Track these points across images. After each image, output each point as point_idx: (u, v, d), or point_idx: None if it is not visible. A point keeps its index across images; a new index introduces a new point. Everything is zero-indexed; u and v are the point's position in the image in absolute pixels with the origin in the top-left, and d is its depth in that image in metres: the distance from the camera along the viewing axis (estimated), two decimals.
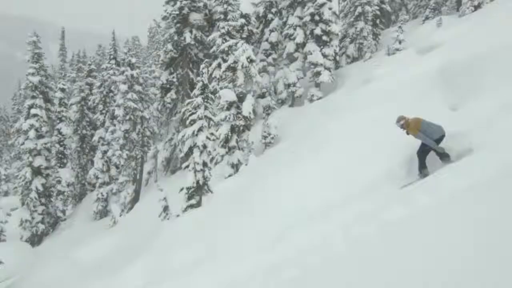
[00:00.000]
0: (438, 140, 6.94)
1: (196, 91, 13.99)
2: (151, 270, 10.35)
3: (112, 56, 26.18)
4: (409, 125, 7.14)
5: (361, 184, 8.23)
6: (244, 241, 9.47)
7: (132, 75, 22.20)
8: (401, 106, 11.14)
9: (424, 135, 6.90)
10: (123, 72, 22.35)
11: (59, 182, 25.13)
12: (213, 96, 14.46)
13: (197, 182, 13.81)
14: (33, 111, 23.94)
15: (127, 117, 22.22)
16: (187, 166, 14.08)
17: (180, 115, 25.66)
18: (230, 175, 18.47)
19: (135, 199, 24.40)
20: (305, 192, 9.59)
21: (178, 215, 14.46)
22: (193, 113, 13.93)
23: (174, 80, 25.28)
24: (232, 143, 18.56)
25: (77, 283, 11.61)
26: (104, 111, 25.93)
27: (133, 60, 22.77)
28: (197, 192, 14.11)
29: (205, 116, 13.88)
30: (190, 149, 13.98)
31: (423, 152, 7.11)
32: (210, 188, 14.39)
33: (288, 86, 24.32)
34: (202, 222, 11.91)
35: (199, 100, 13.60)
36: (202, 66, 14.06)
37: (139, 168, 24.14)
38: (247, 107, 18.38)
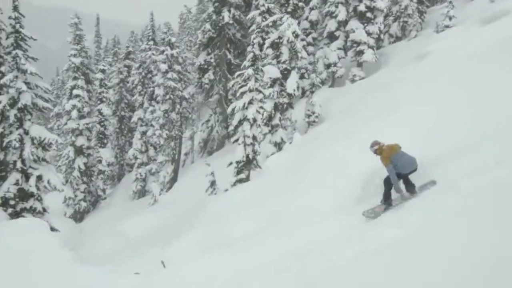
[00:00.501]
0: (406, 174, 6.62)
1: (246, 63, 13.64)
2: (207, 240, 10.20)
3: (150, 37, 26.24)
4: (381, 152, 6.69)
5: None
6: (302, 213, 9.15)
7: (172, 55, 22.11)
8: (470, 75, 10.37)
9: (392, 169, 6.49)
10: (163, 51, 22.30)
11: (99, 161, 25.64)
12: (262, 68, 14.03)
13: (247, 156, 13.54)
14: (75, 92, 24.37)
15: (167, 97, 22.22)
16: (237, 140, 13.83)
17: (217, 96, 25.53)
18: (273, 154, 18.11)
19: (173, 179, 24.55)
20: (364, 164, 9.02)
21: (226, 190, 14.30)
22: (243, 86, 13.60)
23: (212, 60, 25.06)
24: (275, 121, 18.14)
25: (129, 253, 11.66)
26: (142, 92, 26.12)
27: (173, 39, 22.68)
28: (246, 167, 13.86)
29: (256, 89, 13.51)
30: (240, 122, 13.70)
31: (391, 181, 6.65)
32: (259, 163, 14.08)
33: (328, 66, 23.53)
34: (254, 195, 11.64)
35: (250, 71, 13.24)
36: (253, 36, 13.66)
37: (177, 149, 24.21)
38: (291, 84, 17.89)
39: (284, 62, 17.73)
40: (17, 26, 11.37)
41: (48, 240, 8.50)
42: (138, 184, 25.61)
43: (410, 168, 6.51)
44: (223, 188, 14.14)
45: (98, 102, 26.07)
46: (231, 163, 14.23)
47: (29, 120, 11.94)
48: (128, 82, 28.44)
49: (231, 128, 13.88)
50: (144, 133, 25.71)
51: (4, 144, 11.34)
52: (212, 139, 26.01)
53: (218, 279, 7.15)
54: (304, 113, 19.08)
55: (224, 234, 10.12)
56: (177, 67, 22.52)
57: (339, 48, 23.67)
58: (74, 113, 24.07)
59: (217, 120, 25.76)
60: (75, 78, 24.49)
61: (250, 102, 13.41)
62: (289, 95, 17.79)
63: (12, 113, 11.41)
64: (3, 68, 11.30)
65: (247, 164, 13.78)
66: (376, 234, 5.76)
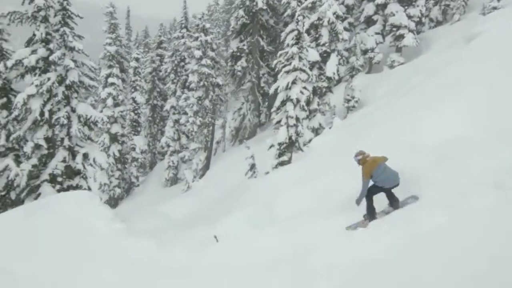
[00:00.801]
0: (387, 189, 6.42)
1: (289, 41, 13.22)
2: (256, 217, 9.93)
3: (183, 25, 26.21)
4: (364, 163, 6.49)
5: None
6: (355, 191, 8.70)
7: (206, 41, 21.95)
8: None
9: (366, 184, 6.37)
10: (197, 38, 22.17)
11: (133, 149, 25.94)
12: (307, 47, 13.55)
13: (290, 137, 13.16)
14: (110, 80, 24.68)
15: (201, 83, 22.10)
16: (279, 121, 13.47)
17: (249, 84, 25.23)
18: (310, 140, 17.63)
19: (206, 167, 24.52)
20: (422, 142, 8.42)
21: (267, 172, 13.99)
22: (286, 65, 13.19)
23: (245, 47, 24.78)
24: (314, 106, 17.61)
25: (175, 231, 11.54)
26: (175, 80, 26.18)
27: (207, 25, 22.52)
28: (288, 149, 13.48)
29: (300, 68, 13.08)
30: (283, 103, 13.31)
31: (372, 194, 6.45)
32: (301, 146, 13.67)
33: (365, 52, 22.73)
34: (302, 174, 11.24)
35: (294, 49, 12.81)
36: (297, 13, 13.19)
37: (210, 136, 24.13)
38: (331, 67, 17.32)
39: (323, 45, 17.18)
40: (65, 3, 11.42)
41: (100, 211, 8.51)
42: (171, 171, 25.76)
43: (391, 184, 6.33)
44: (267, 169, 13.81)
45: (132, 90, 26.35)
46: (272, 146, 13.89)
47: (76, 98, 12.02)
48: (160, 71, 28.61)
49: (273, 108, 13.49)
50: (176, 121, 25.80)
51: (53, 121, 11.44)
52: (244, 127, 25.78)
53: (270, 254, 6.90)
54: (343, 98, 18.48)
55: (272, 213, 9.82)
56: (211, 53, 22.35)
57: (376, 33, 22.84)
58: (110, 101, 24.40)
59: (249, 108, 25.49)
60: (110, 67, 24.79)
61: (294, 82, 13.00)
62: (329, 78, 17.22)
63: (60, 91, 11.50)
64: (51, 46, 11.39)
65: (290, 146, 13.40)
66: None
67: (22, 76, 11.40)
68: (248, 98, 25.48)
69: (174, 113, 25.97)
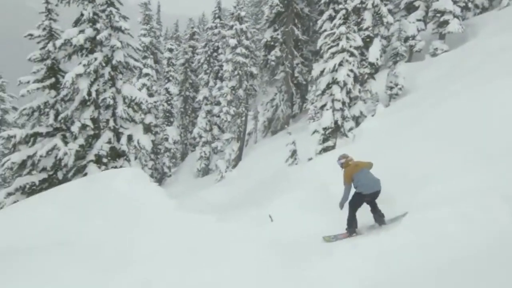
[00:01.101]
0: (368, 196, 6.05)
1: (336, 21, 12.68)
2: (307, 200, 9.52)
3: (217, 15, 26.05)
4: (346, 167, 6.33)
5: None
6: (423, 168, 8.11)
7: (241, 29, 21.65)
8: None
9: (348, 188, 6.17)
10: (232, 26, 21.92)
11: (166, 139, 26.05)
12: (354, 28, 12.96)
13: (335, 122, 12.63)
14: (145, 70, 24.82)
15: (235, 73, 21.84)
16: (324, 105, 12.96)
17: (283, 74, 24.77)
18: (351, 128, 17.00)
19: (238, 157, 24.28)
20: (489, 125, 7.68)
21: (310, 159, 13.52)
22: (332, 46, 12.66)
23: (279, 37, 24.33)
24: (355, 93, 16.95)
25: (222, 212, 11.33)
26: (208, 71, 26.07)
27: (242, 13, 22.22)
28: (333, 134, 12.95)
29: (347, 50, 12.52)
30: (328, 86, 12.80)
31: (355, 204, 6.13)
32: (346, 131, 13.11)
33: (405, 39, 21.74)
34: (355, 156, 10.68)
35: (342, 29, 12.26)
36: None
37: (243, 126, 23.88)
38: (374, 53, 16.61)
39: (366, 29, 16.48)
40: None
41: (151, 188, 8.44)
42: (202, 162, 25.70)
43: (371, 189, 5.98)
44: (310, 156, 13.34)
45: (166, 81, 26.45)
46: (315, 131, 13.42)
47: (121, 79, 11.99)
48: (193, 62, 28.61)
49: (318, 92, 13.00)
50: (209, 111, 25.70)
51: (99, 101, 11.44)
52: (277, 118, 25.36)
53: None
54: (385, 85, 17.70)
55: (323, 195, 9.37)
56: (246, 42, 22.04)
57: (418, 20, 21.83)
58: (144, 91, 24.58)
59: (282, 99, 25.04)
60: (145, 57, 24.93)
61: (341, 64, 12.45)
62: (371, 64, 16.51)
63: (106, 71, 11.48)
64: (98, 26, 11.37)
65: (335, 131, 12.88)
66: None
67: (69, 56, 11.45)
68: (281, 88, 25.03)
69: (206, 104, 25.87)
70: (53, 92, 11.20)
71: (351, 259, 5.08)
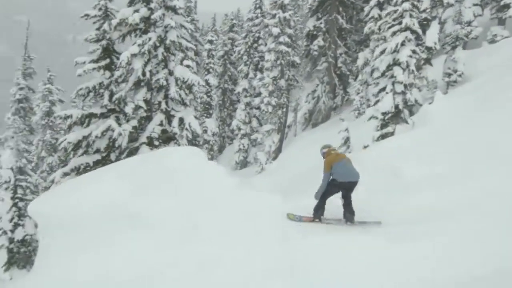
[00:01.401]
0: (343, 185, 6.08)
1: None
2: (377, 184, 8.87)
3: (257, 5, 25.65)
4: (327, 156, 6.38)
5: None
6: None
7: (284, 17, 21.09)
8: None
9: (327, 177, 6.17)
10: (274, 15, 21.40)
11: (205, 131, 25.92)
12: (418, 4, 12.05)
13: (396, 106, 11.78)
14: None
15: (278, 62, 21.29)
16: (383, 89, 12.14)
17: (326, 64, 23.95)
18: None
19: (278, 149, 23.75)
20: None
21: (366, 146, 12.74)
22: (394, 25, 11.82)
23: (322, 26, 23.55)
24: (409, 80, 15.93)
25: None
26: (248, 63, 25.73)
27: (286, 1, 21.65)
28: (393, 120, 12.10)
29: (410, 28, 11.64)
30: (388, 68, 11.97)
31: (326, 190, 6.17)
32: (406, 117, 12.21)
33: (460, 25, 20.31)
34: (417, 144, 9.87)
35: (405, 5, 11.41)
36: None
37: (284, 118, 23.31)
38: (431, 36, 15.48)
39: (424, 11, 15.41)
40: None
41: (212, 165, 8.15)
42: (241, 155, 25.40)
43: (346, 178, 6.01)
44: (366, 143, 12.56)
45: (206, 72, 26.37)
46: (372, 117, 12.61)
47: (173, 61, 11.78)
48: (232, 55, 28.39)
49: (376, 74, 12.20)
50: (248, 103, 25.35)
51: (152, 82, 11.28)
52: (318, 110, 24.58)
53: None
54: (442, 72, 16.54)
55: (394, 179, 8.67)
56: (289, 31, 21.45)
57: (475, 4, 20.35)
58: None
59: (324, 91, 24.24)
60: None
61: (403, 44, 11.59)
62: (428, 49, 15.41)
63: (160, 52, 11.31)
64: (152, 5, 11.21)
65: (395, 117, 12.03)
66: None
67: (124, 37, 11.37)
68: (323, 79, 24.23)
69: (245, 96, 25.55)
70: (107, 73, 11.15)
71: None
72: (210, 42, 26.19)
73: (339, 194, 6.24)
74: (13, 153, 11.22)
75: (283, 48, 21.24)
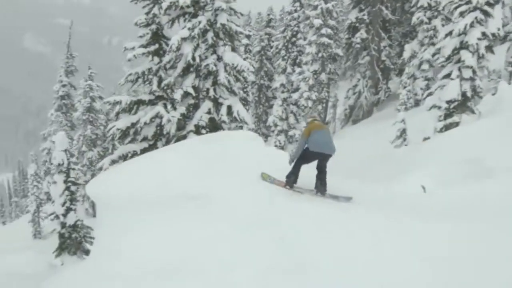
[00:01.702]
0: (316, 155, 5.86)
1: None
2: (440, 175, 8.04)
3: None
4: (308, 125, 6.25)
5: None
6: None
7: (327, 8, 20.29)
8: None
9: (302, 143, 6.01)
10: (316, 6, 20.65)
11: (241, 127, 25.47)
12: None
13: (463, 94, 10.73)
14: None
15: (319, 55, 20.50)
16: (448, 75, 11.13)
17: (368, 58, 22.90)
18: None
19: None
20: None
21: (427, 138, 11.75)
22: (461, 5, 10.81)
23: (365, 17, 22.55)
24: (479, 65, 14.67)
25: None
26: (286, 57, 25.09)
27: None
28: (459, 109, 11.05)
29: (481, 8, 10.58)
30: (454, 52, 10.96)
31: (302, 158, 6.02)
32: (473, 106, 11.12)
33: None
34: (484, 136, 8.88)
35: None
36: None
37: (324, 113, 22.46)
38: (495, 22, 14.19)
39: None
40: None
41: (271, 149, 7.65)
42: None
43: (319, 149, 5.80)
44: (426, 134, 11.58)
45: None
46: (433, 106, 11.61)
47: (223, 45, 11.34)
48: (268, 50, 27.86)
49: (441, 59, 11.21)
50: (285, 99, 24.64)
51: (202, 67, 10.88)
52: (359, 106, 23.55)
53: None
54: (505, 61, 15.23)
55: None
56: (331, 22, 20.63)
57: None
58: None
59: (365, 85, 23.19)
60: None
61: (472, 25, 10.56)
62: (492, 35, 14.13)
63: (209, 36, 10.90)
64: None
65: (462, 106, 10.98)
66: None
67: (173, 21, 11.06)
68: (365, 74, 23.19)
69: (283, 91, 24.85)
70: (156, 59, 10.86)
71: None
72: (248, 37, 25.78)
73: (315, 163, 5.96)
74: (67, 135, 11.13)
75: (325, 40, 20.44)
